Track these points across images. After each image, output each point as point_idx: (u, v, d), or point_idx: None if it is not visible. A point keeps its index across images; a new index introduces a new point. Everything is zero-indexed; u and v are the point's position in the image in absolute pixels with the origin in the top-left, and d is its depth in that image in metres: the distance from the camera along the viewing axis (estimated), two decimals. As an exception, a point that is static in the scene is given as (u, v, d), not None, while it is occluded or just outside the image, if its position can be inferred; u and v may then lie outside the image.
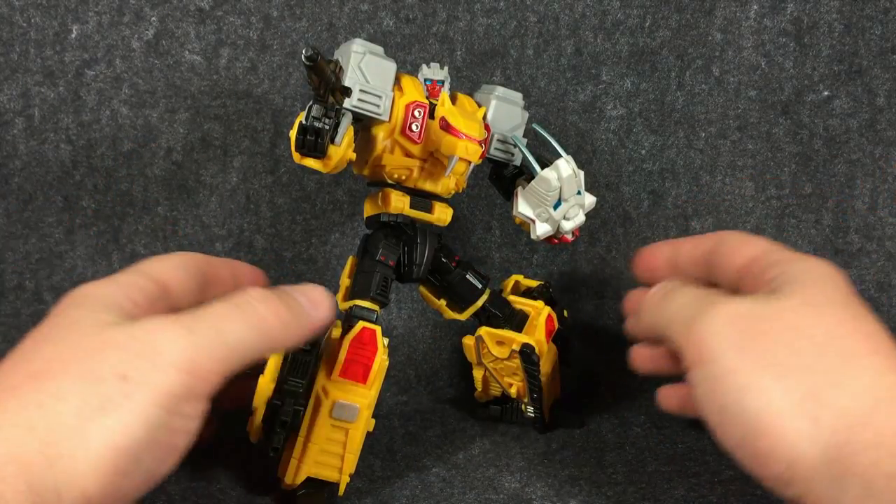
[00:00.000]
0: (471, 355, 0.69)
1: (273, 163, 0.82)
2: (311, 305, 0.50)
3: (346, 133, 0.54)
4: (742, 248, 0.56)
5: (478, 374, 0.70)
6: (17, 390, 0.41)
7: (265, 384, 0.55)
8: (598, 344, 0.82)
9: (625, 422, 0.71)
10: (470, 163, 0.60)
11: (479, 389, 0.71)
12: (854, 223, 0.84)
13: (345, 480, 0.56)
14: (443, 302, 0.67)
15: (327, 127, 0.53)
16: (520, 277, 0.70)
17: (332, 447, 0.55)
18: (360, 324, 0.56)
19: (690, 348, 0.47)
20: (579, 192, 0.62)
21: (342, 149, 0.54)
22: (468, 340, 0.68)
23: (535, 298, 0.69)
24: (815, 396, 0.42)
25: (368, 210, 0.63)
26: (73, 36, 0.79)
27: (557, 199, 0.61)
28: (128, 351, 0.42)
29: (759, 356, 0.44)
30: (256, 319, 0.47)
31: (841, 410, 0.42)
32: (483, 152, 0.60)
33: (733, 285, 0.58)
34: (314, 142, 0.52)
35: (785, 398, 0.43)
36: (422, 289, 0.69)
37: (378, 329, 0.56)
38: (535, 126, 0.65)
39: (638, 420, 0.72)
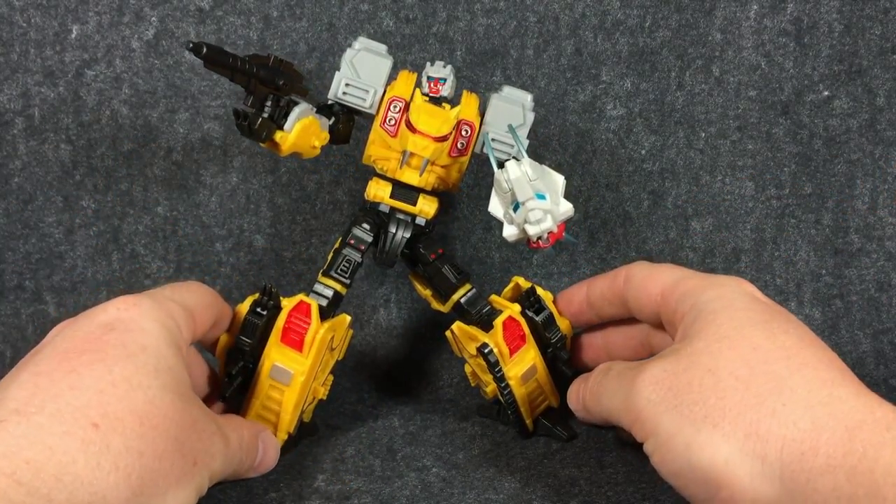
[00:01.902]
0: (454, 350, 0.69)
1: (273, 163, 0.82)
2: (262, 459, 0.57)
3: (298, 121, 0.59)
4: (649, 284, 0.57)
5: (467, 369, 0.70)
6: (124, 429, 0.43)
7: (224, 339, 0.61)
8: (598, 344, 0.82)
9: (625, 422, 0.71)
10: (425, 158, 0.63)
11: (473, 384, 0.71)
12: (854, 223, 0.84)
13: (281, 437, 0.61)
14: (429, 292, 0.70)
15: (261, 114, 0.57)
16: (520, 279, 0.70)
17: (271, 404, 0.61)
18: (299, 296, 0.62)
19: (634, 426, 0.48)
20: (541, 197, 0.59)
21: (292, 136, 0.59)
22: (448, 334, 0.68)
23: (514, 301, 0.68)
24: (755, 434, 0.42)
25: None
26: (73, 36, 0.79)
27: (515, 202, 0.60)
28: (202, 441, 0.47)
29: (691, 411, 0.44)
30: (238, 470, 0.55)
31: (784, 441, 0.41)
32: (450, 150, 0.64)
33: (654, 321, 0.58)
34: (246, 127, 0.57)
35: (727, 445, 0.42)
36: (411, 277, 0.71)
37: (314, 304, 0.61)
38: (508, 125, 0.64)
39: (638, 420, 0.71)
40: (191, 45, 0.52)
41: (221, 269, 0.82)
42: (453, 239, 0.83)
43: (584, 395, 0.56)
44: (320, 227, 0.83)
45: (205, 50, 0.53)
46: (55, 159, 0.80)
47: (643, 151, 0.83)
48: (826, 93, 0.82)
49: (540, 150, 0.81)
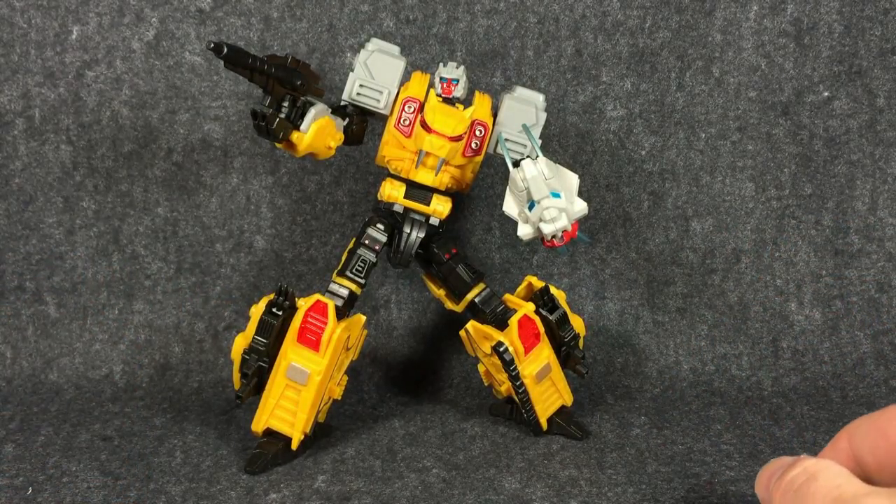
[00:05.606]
0: (468, 349, 0.70)
1: (273, 164, 0.82)
2: None
3: (314, 122, 0.60)
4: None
5: (481, 368, 0.70)
6: None
7: (240, 340, 0.62)
8: (598, 345, 0.83)
9: (625, 422, 0.71)
10: (441, 158, 0.63)
11: (486, 384, 0.71)
12: (854, 224, 0.84)
13: (297, 437, 0.62)
14: (442, 292, 0.70)
15: (278, 115, 0.58)
16: (533, 279, 0.70)
17: (287, 404, 0.62)
18: (315, 296, 0.62)
19: None
20: (556, 195, 0.61)
21: (309, 136, 0.60)
22: (463, 333, 0.68)
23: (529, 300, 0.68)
24: None
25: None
26: (74, 37, 0.79)
27: (531, 200, 0.61)
28: None
29: None
30: None
31: None
32: (465, 150, 0.64)
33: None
34: (264, 127, 0.57)
35: None
36: (424, 277, 0.72)
37: (331, 303, 0.61)
38: (523, 125, 0.65)
39: (638, 421, 0.72)
40: (212, 44, 0.53)
41: (221, 270, 0.82)
42: (453, 240, 0.83)
43: (782, 486, 0.41)
44: (320, 228, 0.83)
45: (225, 50, 0.53)
46: (55, 160, 0.80)
47: (643, 152, 0.83)
48: (826, 93, 0.82)
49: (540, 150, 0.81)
